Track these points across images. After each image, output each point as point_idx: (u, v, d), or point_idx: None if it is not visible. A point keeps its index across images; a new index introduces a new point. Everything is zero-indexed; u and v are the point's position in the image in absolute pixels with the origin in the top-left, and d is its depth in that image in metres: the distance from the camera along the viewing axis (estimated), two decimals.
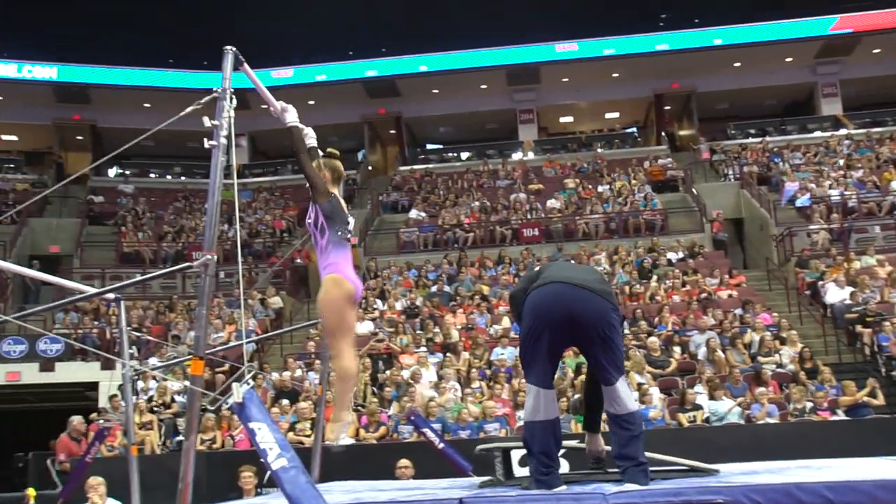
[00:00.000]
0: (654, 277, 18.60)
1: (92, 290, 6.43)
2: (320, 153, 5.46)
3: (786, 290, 18.20)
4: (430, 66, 29.63)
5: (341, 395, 5.07)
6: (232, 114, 4.05)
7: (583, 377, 13.42)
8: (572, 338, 4.47)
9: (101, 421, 12.17)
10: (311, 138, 5.39)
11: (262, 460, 3.21)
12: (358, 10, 30.25)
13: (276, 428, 3.28)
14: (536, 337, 4.40)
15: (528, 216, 23.62)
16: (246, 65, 4.35)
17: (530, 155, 29.81)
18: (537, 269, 4.82)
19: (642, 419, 4.55)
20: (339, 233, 5.08)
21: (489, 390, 13.89)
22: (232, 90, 4.12)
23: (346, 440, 5.42)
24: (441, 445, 8.76)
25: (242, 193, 26.78)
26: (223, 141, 4.02)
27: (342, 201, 5.34)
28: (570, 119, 33.10)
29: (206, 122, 4.05)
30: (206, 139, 4.08)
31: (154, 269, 22.66)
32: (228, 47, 4.21)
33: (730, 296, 17.61)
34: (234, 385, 3.32)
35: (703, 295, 17.32)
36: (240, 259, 4.48)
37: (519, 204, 24.08)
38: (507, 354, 15.09)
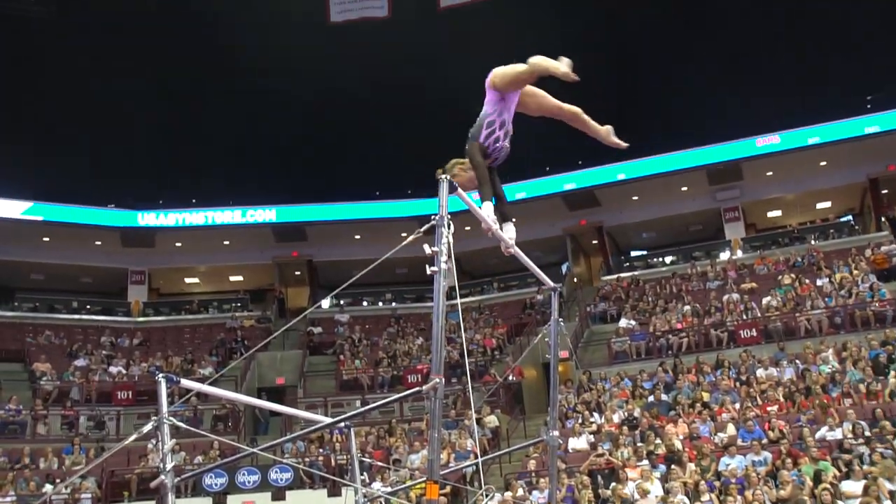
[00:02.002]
0: (893, 373, 17.24)
1: (327, 420, 6.68)
2: None
3: None
4: (627, 174, 29.56)
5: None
6: (451, 239, 4.16)
7: (823, 485, 12.51)
8: None
9: None
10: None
11: None
12: (553, 125, 30.84)
13: None
14: None
15: (744, 316, 22.67)
16: (460, 189, 4.48)
17: (739, 253, 28.79)
18: None
19: None
20: None
21: (720, 503, 13.17)
22: (449, 216, 4.24)
23: None
24: None
25: (451, 315, 27.39)
26: (444, 266, 4.12)
27: None
28: (778, 213, 31.87)
29: (427, 249, 4.18)
30: (427, 265, 4.20)
31: (372, 394, 23.38)
32: (443, 175, 4.35)
33: None
34: None
35: None
36: (468, 380, 4.53)
37: (732, 305, 23.18)
38: (736, 463, 14.30)
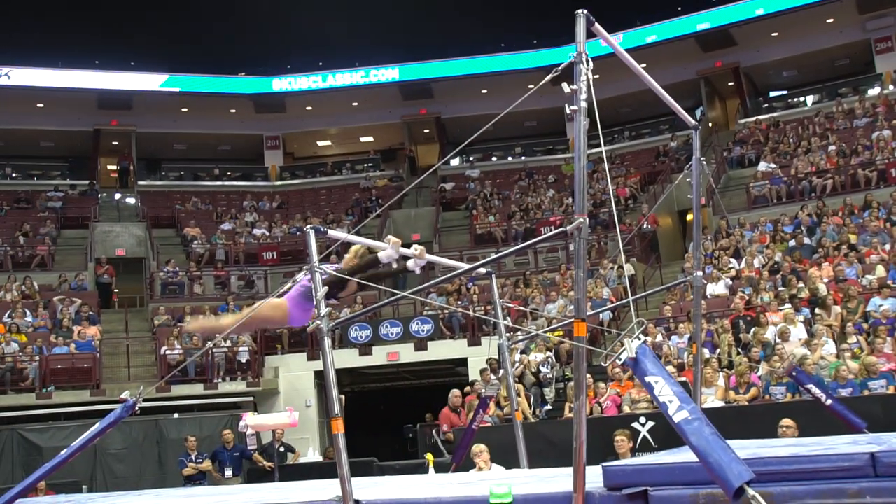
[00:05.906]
0: None
1: (466, 266, 6.80)
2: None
3: None
4: (766, 9, 27.77)
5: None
6: (591, 76, 4.04)
7: None
8: None
9: (483, 391, 12.79)
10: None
11: (663, 413, 3.17)
12: None
13: (673, 381, 3.22)
14: None
15: None
16: (597, 25, 4.31)
17: (891, 87, 26.95)
18: None
19: None
20: None
21: (868, 345, 12.85)
22: (587, 53, 4.10)
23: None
24: (829, 402, 8.17)
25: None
26: (583, 105, 4.02)
27: None
28: None
29: (566, 87, 4.07)
30: (566, 105, 4.11)
31: (507, 247, 23.59)
32: (580, 11, 4.18)
33: None
34: (626, 341, 3.32)
35: None
36: (616, 225, 4.48)
37: (883, 142, 21.94)
38: (888, 305, 13.83)
